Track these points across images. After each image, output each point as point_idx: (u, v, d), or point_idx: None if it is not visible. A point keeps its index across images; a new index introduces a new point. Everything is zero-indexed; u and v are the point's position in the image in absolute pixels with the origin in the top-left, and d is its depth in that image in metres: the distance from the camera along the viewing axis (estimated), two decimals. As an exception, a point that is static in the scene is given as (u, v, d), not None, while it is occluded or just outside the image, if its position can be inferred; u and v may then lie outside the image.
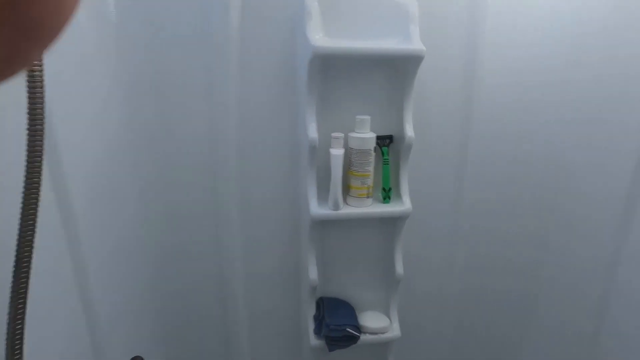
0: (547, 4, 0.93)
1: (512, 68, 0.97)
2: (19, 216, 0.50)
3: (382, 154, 0.94)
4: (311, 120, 0.87)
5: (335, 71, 0.89)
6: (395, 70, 0.91)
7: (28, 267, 0.50)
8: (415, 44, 0.83)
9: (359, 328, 1.01)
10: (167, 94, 0.87)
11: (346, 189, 0.93)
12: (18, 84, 0.53)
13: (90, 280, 0.72)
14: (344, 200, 0.94)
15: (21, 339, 0.50)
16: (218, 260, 1.00)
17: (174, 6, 0.82)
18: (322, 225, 0.96)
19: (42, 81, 0.49)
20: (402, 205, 0.94)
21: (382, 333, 1.04)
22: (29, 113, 0.49)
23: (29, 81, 0.49)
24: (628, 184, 0.91)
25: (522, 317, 1.16)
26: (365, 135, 0.88)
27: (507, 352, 1.21)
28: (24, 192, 0.50)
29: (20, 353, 0.50)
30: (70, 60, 0.65)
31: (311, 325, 1.04)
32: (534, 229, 1.09)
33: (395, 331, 1.05)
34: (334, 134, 0.88)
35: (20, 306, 0.49)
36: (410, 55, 0.83)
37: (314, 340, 1.02)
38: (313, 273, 0.98)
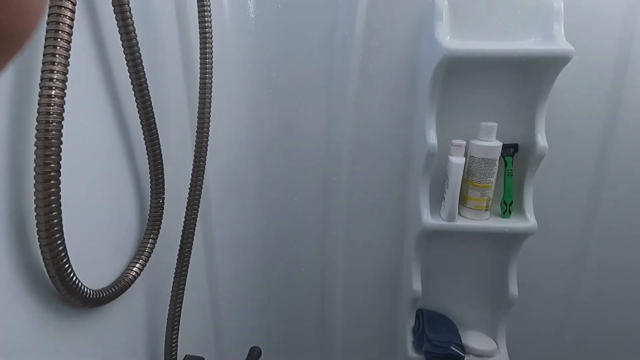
0: None
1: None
2: (183, 212, 0.54)
3: (506, 164, 0.87)
4: (431, 126, 0.83)
5: (461, 74, 0.84)
6: (529, 73, 0.83)
7: (188, 259, 0.55)
8: (560, 44, 0.74)
9: (463, 348, 0.95)
10: (290, 97, 0.91)
11: (462, 200, 0.88)
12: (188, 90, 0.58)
13: (217, 271, 0.78)
14: (459, 210, 0.88)
15: (178, 322, 0.55)
16: (321, 262, 1.02)
17: (304, 14, 0.84)
18: (431, 235, 0.91)
19: (211, 88, 0.53)
20: (526, 221, 0.86)
21: (489, 357, 0.97)
22: (198, 117, 0.54)
23: (200, 88, 0.53)
24: None
25: None
26: (491, 144, 0.82)
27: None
28: (190, 188, 0.54)
29: (177, 329, 0.55)
30: (220, 66, 0.70)
31: (409, 337, 1.00)
32: None
33: (503, 357, 0.97)
34: (455, 141, 0.83)
35: (180, 292, 0.54)
36: (554, 57, 0.75)
37: (412, 353, 0.99)
38: (417, 284, 0.95)
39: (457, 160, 0.82)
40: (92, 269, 0.42)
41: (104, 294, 0.41)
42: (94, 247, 0.43)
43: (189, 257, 0.55)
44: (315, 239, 1.00)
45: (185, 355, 0.67)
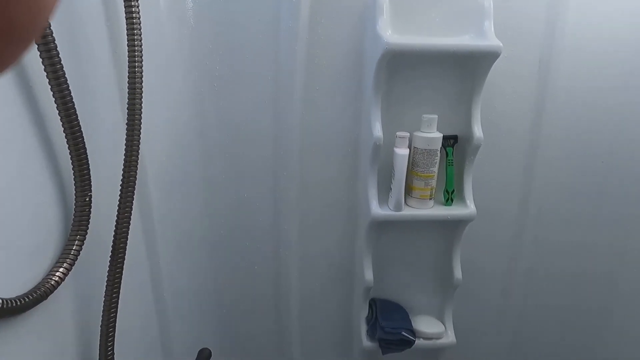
0: (635, 3, 0.86)
1: (590, 69, 0.91)
2: (115, 211, 0.51)
3: (447, 154, 0.91)
4: (376, 119, 0.85)
5: (403, 68, 0.86)
6: (465, 68, 0.87)
7: (122, 261, 0.51)
8: (490, 40, 0.79)
9: (414, 332, 0.99)
10: (235, 90, 0.88)
11: (408, 190, 0.91)
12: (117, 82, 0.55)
13: (162, 272, 0.75)
14: (405, 201, 0.91)
15: (114, 329, 0.52)
16: (274, 255, 1.01)
17: (246, 4, 0.83)
18: (381, 225, 0.94)
19: (141, 78, 0.50)
20: (466, 208, 0.91)
21: (437, 339, 1.01)
22: (128, 108, 0.51)
23: (129, 79, 0.50)
24: None
25: (592, 332, 1.10)
26: (432, 135, 0.85)
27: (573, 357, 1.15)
28: (121, 186, 0.51)
29: (113, 336, 0.52)
30: (155, 58, 0.66)
31: (363, 327, 1.02)
32: (607, 239, 1.02)
33: (450, 337, 1.02)
34: (399, 133, 0.86)
35: (114, 296, 0.51)
36: (485, 52, 0.80)
37: (366, 342, 1.01)
38: (368, 274, 0.97)
39: (402, 152, 0.85)
40: (6, 276, 0.38)
41: (19, 302, 0.38)
42: (6, 251, 0.39)
43: (123, 260, 0.51)
44: (267, 234, 0.99)
45: (127, 363, 0.63)
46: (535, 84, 0.92)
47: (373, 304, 1.05)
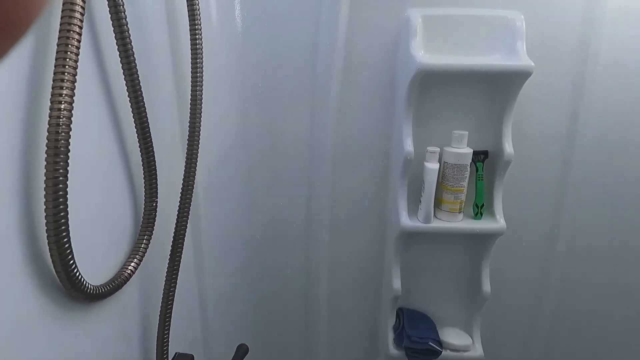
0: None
1: (624, 85, 0.91)
2: (175, 215, 0.58)
3: (477, 169, 0.93)
4: (407, 134, 0.89)
5: (434, 86, 0.90)
6: (497, 86, 0.90)
7: (179, 259, 0.58)
8: (522, 60, 0.82)
9: (440, 343, 1.01)
10: (276, 105, 0.95)
11: (437, 203, 0.94)
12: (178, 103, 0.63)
13: (205, 271, 0.82)
14: (434, 213, 0.94)
15: (170, 319, 0.58)
16: (306, 260, 1.06)
17: (288, 27, 0.90)
18: (410, 236, 0.97)
19: (201, 98, 0.58)
20: (496, 222, 0.92)
21: (464, 351, 1.02)
22: (189, 125, 0.58)
23: (192, 99, 0.58)
24: None
25: (626, 342, 1.06)
26: (462, 151, 0.88)
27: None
28: (181, 194, 0.58)
29: (169, 326, 0.59)
30: (208, 75, 0.74)
31: (390, 335, 1.05)
32: None
33: (477, 351, 1.02)
34: (429, 148, 0.89)
35: (172, 290, 0.58)
36: (517, 72, 0.82)
37: (393, 350, 1.03)
38: (397, 282, 1.00)
39: (432, 166, 0.88)
40: (91, 266, 0.45)
41: (103, 290, 0.45)
42: (94, 246, 0.46)
43: (180, 258, 0.58)
44: (300, 241, 1.05)
45: (176, 353, 0.70)
46: (569, 100, 0.92)
47: (400, 313, 1.07)
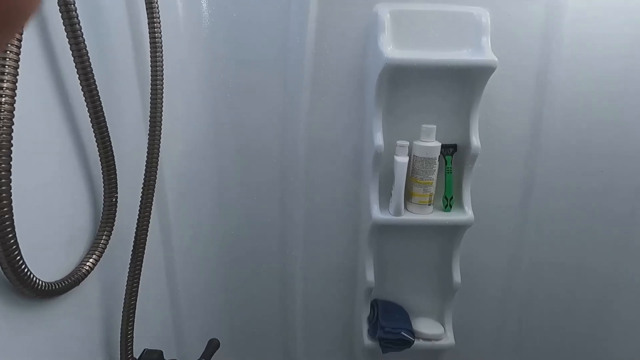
0: (627, 13, 0.89)
1: (586, 78, 0.94)
2: (137, 210, 0.58)
3: (446, 162, 0.95)
4: (377, 129, 0.90)
5: (403, 81, 0.91)
6: (463, 80, 0.92)
7: (142, 255, 0.58)
8: (487, 55, 0.84)
9: (413, 333, 1.03)
10: (247, 101, 0.95)
11: (408, 196, 0.95)
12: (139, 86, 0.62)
13: (175, 267, 0.81)
14: (405, 206, 0.96)
15: (133, 315, 0.58)
16: (281, 256, 1.07)
17: (257, 23, 0.89)
18: (382, 229, 0.98)
19: (162, 90, 0.57)
20: (464, 214, 0.95)
21: (436, 340, 1.05)
22: (150, 119, 0.57)
23: (152, 90, 0.57)
24: None
25: (593, 325, 1.11)
26: (431, 144, 0.90)
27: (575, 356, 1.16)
28: (143, 187, 0.58)
29: (133, 322, 0.58)
30: (172, 70, 0.74)
31: (365, 326, 1.07)
32: (610, 234, 1.04)
33: (449, 339, 1.05)
34: (399, 142, 0.91)
35: (135, 285, 0.58)
36: (481, 67, 0.84)
37: (367, 341, 1.05)
38: (370, 275, 1.01)
39: (402, 160, 0.90)
40: (45, 262, 0.45)
41: (57, 286, 0.44)
42: (46, 242, 0.46)
43: (143, 253, 0.58)
44: (274, 236, 1.05)
45: (144, 350, 0.69)
46: (533, 94, 0.95)
47: (375, 304, 1.09)
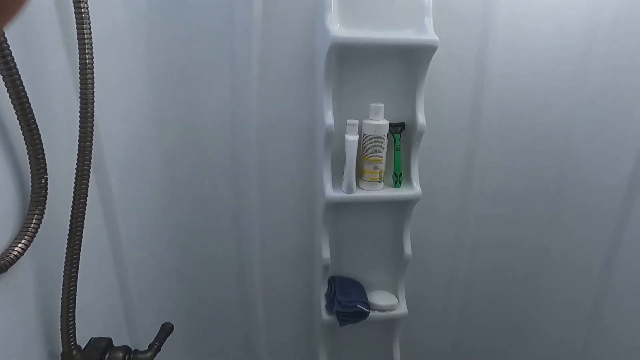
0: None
1: (523, 58, 1.00)
2: (72, 193, 0.55)
3: (395, 140, 0.99)
4: (328, 108, 0.91)
5: (352, 60, 0.93)
6: (409, 60, 0.95)
7: (80, 239, 0.56)
8: (429, 35, 0.87)
9: (368, 305, 1.07)
10: (193, 81, 0.92)
11: (359, 174, 0.98)
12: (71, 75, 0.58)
13: (123, 251, 0.79)
14: (357, 184, 0.98)
15: (74, 303, 0.56)
16: (237, 238, 1.07)
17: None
18: (336, 207, 1.01)
19: (92, 68, 0.54)
20: (413, 189, 0.99)
21: (390, 310, 1.10)
22: (80, 97, 0.54)
23: (81, 69, 0.54)
24: (629, 175, 0.94)
25: (526, 295, 1.22)
26: (379, 122, 0.93)
27: (511, 328, 1.27)
28: (77, 169, 0.55)
29: (74, 308, 0.56)
30: (110, 50, 0.70)
31: (323, 302, 1.10)
32: (540, 213, 1.13)
33: (402, 309, 1.11)
34: (349, 121, 0.92)
35: (72, 286, 0.55)
36: (424, 46, 0.87)
37: (325, 316, 1.09)
38: (326, 253, 1.04)
39: (352, 138, 0.92)
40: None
41: (-20, 273, 0.42)
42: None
43: (81, 237, 0.56)
44: (229, 217, 1.04)
45: (91, 338, 0.67)
46: (474, 73, 1.00)
47: (332, 281, 1.12)
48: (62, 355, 0.57)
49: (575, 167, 1.07)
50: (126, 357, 0.66)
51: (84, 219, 0.56)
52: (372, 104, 0.93)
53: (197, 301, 1.10)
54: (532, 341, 1.25)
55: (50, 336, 0.57)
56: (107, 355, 0.65)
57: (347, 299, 1.06)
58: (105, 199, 0.73)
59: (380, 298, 1.11)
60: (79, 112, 0.54)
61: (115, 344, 0.68)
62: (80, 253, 0.56)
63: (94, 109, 0.55)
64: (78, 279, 0.56)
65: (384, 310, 1.10)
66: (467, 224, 1.13)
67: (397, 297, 1.13)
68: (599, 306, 1.05)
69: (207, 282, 1.10)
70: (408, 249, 1.07)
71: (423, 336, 1.25)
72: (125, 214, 0.78)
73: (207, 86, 0.93)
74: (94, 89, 0.55)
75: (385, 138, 0.94)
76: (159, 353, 0.71)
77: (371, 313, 1.07)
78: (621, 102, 0.96)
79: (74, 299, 0.56)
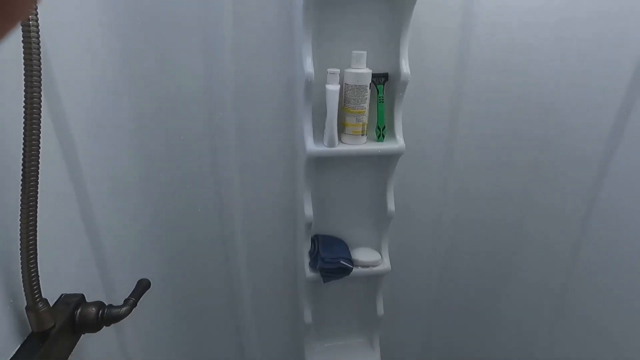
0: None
1: (509, 7, 0.96)
2: (22, 149, 0.50)
3: (378, 91, 0.95)
4: (307, 55, 0.86)
5: (332, 5, 0.86)
6: (392, 5, 0.89)
7: (35, 196, 0.51)
8: (413, -26, 0.81)
9: (351, 261, 1.08)
10: (164, 29, 0.85)
11: (341, 127, 0.94)
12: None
13: (94, 212, 0.75)
14: (339, 138, 0.95)
15: (35, 264, 0.52)
16: (217, 196, 1.03)
17: None
18: (318, 162, 0.98)
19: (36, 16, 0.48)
20: (396, 143, 0.96)
21: (374, 266, 1.11)
22: (24, 45, 0.48)
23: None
24: (612, 122, 0.94)
25: (510, 242, 1.24)
26: (361, 71, 0.88)
27: (494, 279, 1.31)
28: (25, 126, 0.50)
29: (37, 278, 0.53)
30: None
31: (306, 260, 1.09)
32: (523, 161, 1.13)
33: (385, 265, 1.12)
34: (329, 70, 0.88)
35: (31, 236, 0.51)
36: (408, -14, 0.81)
37: (309, 273, 1.08)
38: (308, 210, 1.02)
39: (333, 88, 0.87)
40: None
41: None
42: None
43: (36, 183, 0.51)
44: (209, 176, 1.01)
45: (62, 294, 0.65)
46: (460, 21, 0.96)
47: (315, 239, 1.11)
48: (27, 309, 0.54)
49: (559, 112, 1.06)
50: (99, 312, 0.64)
51: (38, 168, 0.51)
52: (354, 52, 0.88)
53: (179, 259, 1.08)
54: (514, 290, 1.29)
55: (14, 292, 0.54)
56: (79, 310, 0.63)
57: (330, 256, 1.06)
58: (69, 152, 0.68)
59: (363, 254, 1.11)
60: (24, 64, 0.48)
61: (87, 300, 0.66)
62: (38, 202, 0.52)
63: (40, 50, 0.49)
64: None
65: (367, 267, 1.10)
66: (451, 174, 1.13)
67: (381, 254, 1.13)
68: (576, 251, 1.07)
69: (188, 242, 1.07)
70: (391, 205, 1.06)
71: (407, 291, 1.27)
72: (93, 169, 0.73)
73: (178, 41, 0.86)
74: (39, 30, 0.48)
75: (368, 88, 0.90)
76: (136, 309, 0.69)
77: (354, 269, 1.07)
78: (606, 51, 0.94)
79: (34, 249, 0.52)
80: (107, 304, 0.67)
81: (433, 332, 1.37)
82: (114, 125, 0.82)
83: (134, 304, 0.69)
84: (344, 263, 1.05)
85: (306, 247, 1.09)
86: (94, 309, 0.64)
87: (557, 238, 1.12)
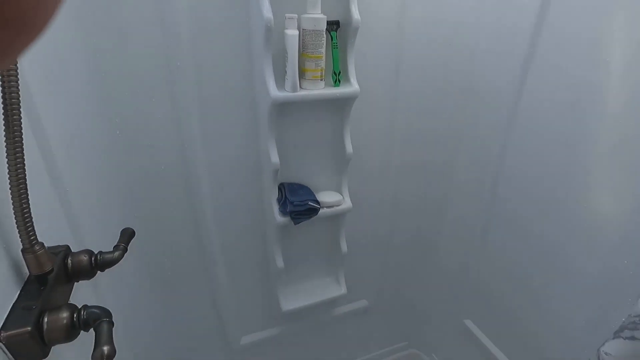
0: None
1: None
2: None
3: (332, 38, 1.01)
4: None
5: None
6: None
7: (20, 135, 0.49)
8: None
9: (318, 202, 1.16)
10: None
11: (301, 73, 0.99)
12: None
13: (59, 165, 0.71)
14: (300, 85, 1.00)
15: (28, 205, 0.50)
16: (180, 151, 1.02)
17: None
18: (280, 109, 1.02)
19: None
20: (351, 87, 1.04)
21: (337, 206, 1.21)
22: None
23: None
24: (519, 73, 1.12)
25: (444, 180, 1.44)
26: (317, 16, 0.93)
27: (433, 211, 1.50)
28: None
29: (30, 219, 0.51)
30: None
31: (275, 207, 1.15)
32: (453, 105, 1.30)
33: (347, 204, 1.23)
34: (288, 15, 0.91)
35: (21, 176, 0.49)
36: None
37: (279, 218, 1.15)
38: (274, 156, 1.06)
39: (292, 32, 0.91)
40: None
41: None
42: None
43: (20, 131, 0.49)
44: (169, 128, 0.99)
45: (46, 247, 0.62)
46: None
47: (282, 187, 1.17)
48: (23, 252, 0.52)
49: (477, 62, 1.23)
50: (92, 259, 0.64)
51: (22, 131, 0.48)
52: (309, -3, 0.92)
53: (145, 216, 1.05)
54: (447, 219, 1.50)
55: (7, 239, 0.52)
56: (69, 259, 0.62)
57: (298, 199, 1.13)
58: (31, 114, 0.63)
59: (327, 196, 1.21)
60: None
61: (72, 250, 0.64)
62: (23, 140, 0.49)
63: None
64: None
65: (331, 206, 1.20)
66: (396, 118, 1.25)
67: (342, 194, 1.24)
68: (495, 183, 1.29)
69: (154, 198, 1.05)
70: (349, 147, 1.15)
71: (364, 226, 1.40)
72: (52, 124, 0.68)
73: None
74: None
75: (324, 33, 0.96)
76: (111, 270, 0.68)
77: (320, 210, 1.16)
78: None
79: (25, 189, 0.50)
80: (96, 252, 0.66)
81: (388, 265, 1.54)
82: (69, 76, 0.77)
83: (125, 249, 0.69)
84: (312, 204, 1.14)
85: (274, 194, 1.14)
86: (85, 256, 0.63)
87: (480, 168, 1.33)
